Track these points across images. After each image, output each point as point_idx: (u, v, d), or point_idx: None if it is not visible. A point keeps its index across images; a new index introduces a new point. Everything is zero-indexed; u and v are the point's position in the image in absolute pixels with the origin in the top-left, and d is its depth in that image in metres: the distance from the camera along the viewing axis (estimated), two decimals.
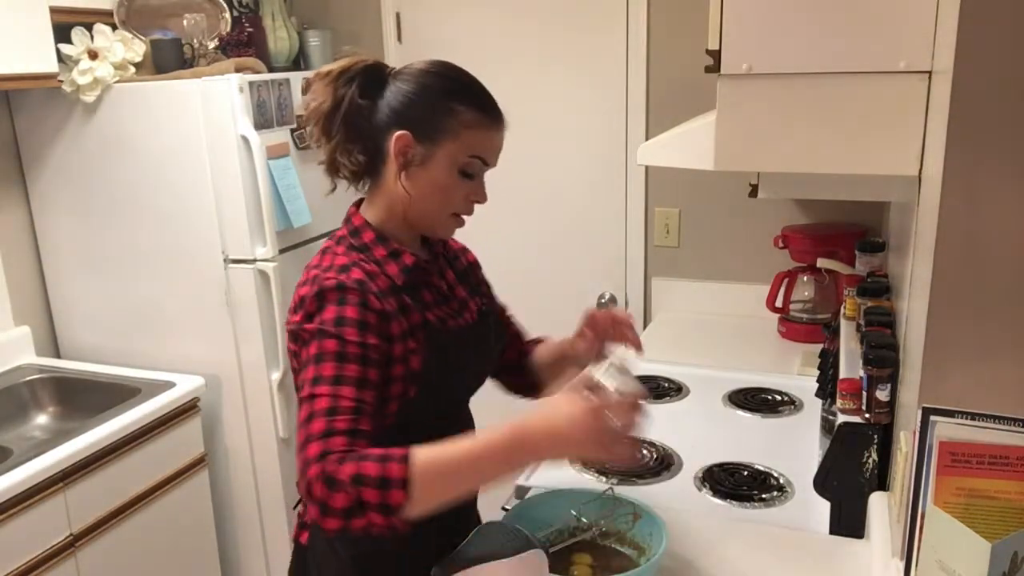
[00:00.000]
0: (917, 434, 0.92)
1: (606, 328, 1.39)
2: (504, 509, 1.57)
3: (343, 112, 1.20)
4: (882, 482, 1.36)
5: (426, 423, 1.19)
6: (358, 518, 1.01)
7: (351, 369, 1.09)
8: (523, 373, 1.48)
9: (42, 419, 2.32)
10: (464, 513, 1.45)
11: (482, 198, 1.25)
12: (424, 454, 1.03)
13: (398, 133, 1.18)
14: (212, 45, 2.45)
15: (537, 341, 1.53)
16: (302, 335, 1.13)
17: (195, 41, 2.43)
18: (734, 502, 1.57)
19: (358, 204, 1.29)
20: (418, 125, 1.18)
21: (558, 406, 1.07)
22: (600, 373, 1.11)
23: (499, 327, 1.41)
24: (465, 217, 1.27)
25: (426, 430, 1.14)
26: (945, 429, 0.90)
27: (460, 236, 1.35)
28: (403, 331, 1.17)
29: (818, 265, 2.27)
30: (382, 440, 1.10)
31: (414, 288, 1.24)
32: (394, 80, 1.22)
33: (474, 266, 1.45)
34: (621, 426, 1.05)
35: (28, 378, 2.35)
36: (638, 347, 1.39)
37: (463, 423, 1.39)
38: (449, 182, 1.20)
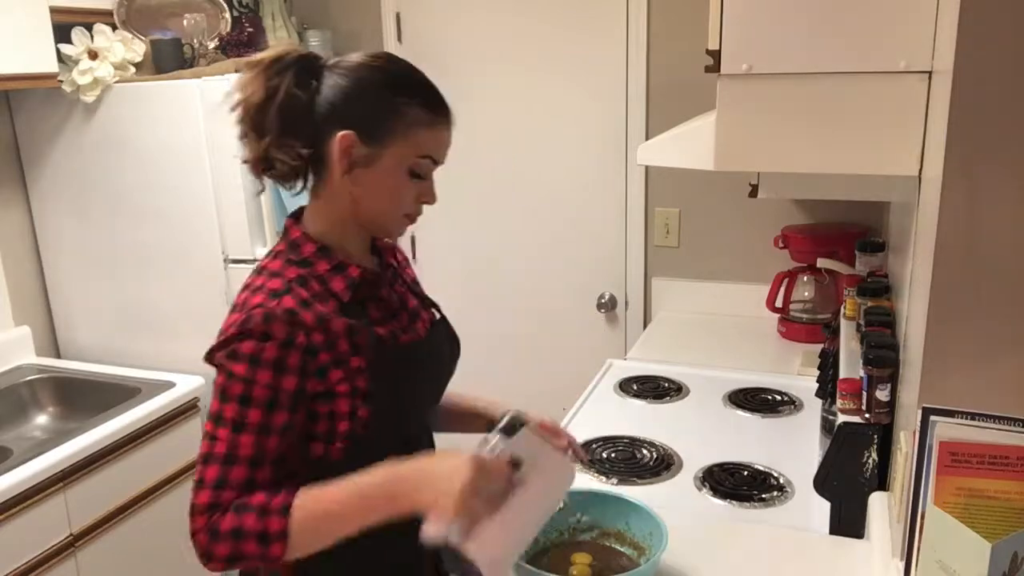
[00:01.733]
0: (917, 434, 0.92)
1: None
2: None
3: (278, 103, 1.10)
4: (882, 482, 1.36)
5: (386, 443, 1.14)
6: (240, 563, 1.03)
7: (254, 415, 1.04)
8: None
9: (42, 419, 2.32)
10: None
11: (431, 199, 1.18)
12: (304, 502, 1.02)
13: (342, 133, 1.09)
14: (212, 45, 2.45)
15: None
16: (214, 360, 1.08)
17: (195, 41, 2.43)
18: (734, 502, 1.57)
19: (295, 216, 1.20)
20: (362, 124, 1.10)
21: (443, 455, 1.05)
22: (496, 431, 1.11)
23: (453, 336, 1.33)
24: (415, 219, 1.20)
25: (388, 451, 1.10)
26: (945, 429, 0.90)
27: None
28: (341, 354, 1.10)
29: (818, 265, 2.27)
30: (340, 461, 1.10)
31: (361, 304, 1.17)
32: (331, 73, 1.12)
33: (407, 264, 1.37)
34: (492, 487, 1.02)
35: (28, 378, 2.35)
36: (581, 459, 1.33)
37: (428, 444, 1.31)
38: (399, 184, 1.13)
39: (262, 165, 1.14)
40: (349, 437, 1.12)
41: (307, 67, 1.12)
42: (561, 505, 1.23)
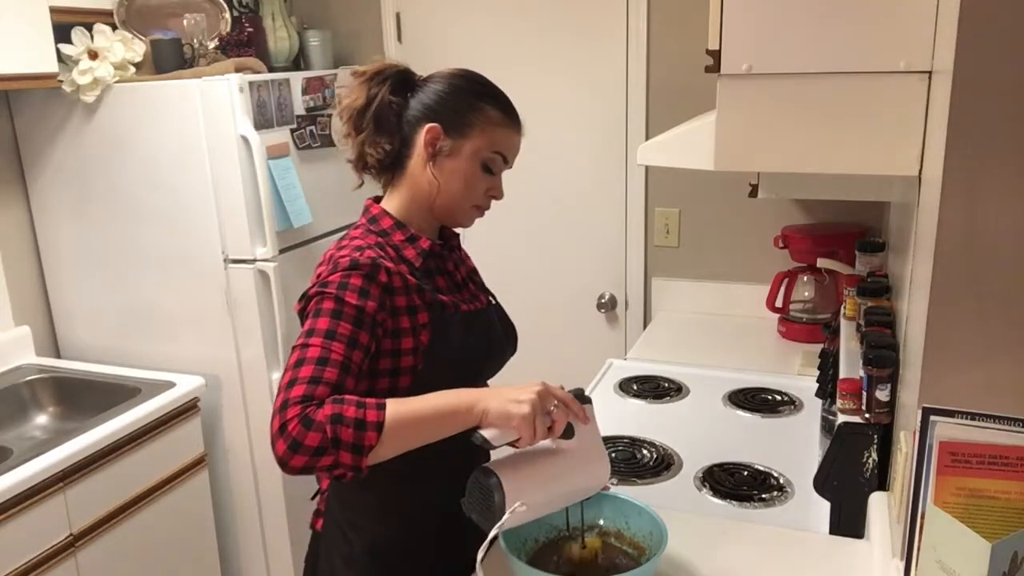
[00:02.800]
0: (917, 434, 0.92)
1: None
2: None
3: (374, 108, 1.29)
4: (882, 482, 1.36)
5: None
6: (327, 456, 1.07)
7: (344, 328, 1.16)
8: None
9: (42, 419, 2.32)
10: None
11: (499, 194, 1.35)
12: (395, 404, 1.12)
13: (429, 125, 1.27)
14: (212, 45, 2.45)
15: None
16: (309, 296, 1.21)
17: (195, 41, 2.43)
18: (734, 502, 1.57)
19: (375, 199, 1.37)
20: (448, 119, 1.28)
21: (513, 388, 1.15)
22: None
23: (509, 322, 1.45)
24: (485, 211, 1.36)
25: None
26: (945, 429, 0.91)
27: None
28: (414, 305, 1.25)
29: (818, 265, 2.27)
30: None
31: (428, 273, 1.31)
32: (425, 83, 1.32)
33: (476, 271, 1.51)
34: (554, 416, 1.14)
35: (28, 378, 2.35)
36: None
37: None
38: (473, 174, 1.30)
39: (360, 162, 1.33)
40: (407, 391, 1.22)
41: (403, 80, 1.32)
42: (586, 497, 1.26)
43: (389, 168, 1.33)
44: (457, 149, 1.28)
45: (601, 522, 1.32)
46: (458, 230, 1.43)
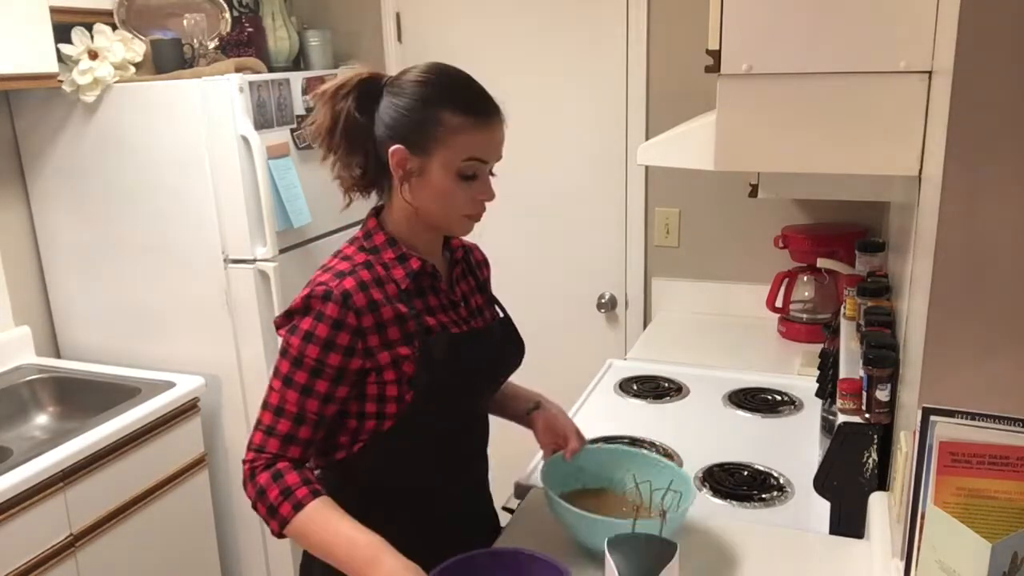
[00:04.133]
0: (917, 434, 0.92)
1: (560, 437, 1.45)
2: (506, 509, 1.57)
3: (341, 127, 1.23)
4: (882, 482, 1.36)
5: (432, 430, 1.27)
6: (256, 510, 1.20)
7: (301, 376, 1.20)
8: None
9: (42, 419, 2.32)
10: (478, 512, 1.46)
11: (488, 195, 1.26)
12: (314, 513, 1.16)
13: (392, 148, 1.21)
14: (212, 45, 2.45)
15: None
16: (280, 329, 1.24)
17: (195, 41, 2.43)
18: (734, 502, 1.57)
19: (378, 209, 1.32)
20: (410, 138, 1.20)
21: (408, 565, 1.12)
22: None
23: (514, 335, 1.42)
24: (478, 217, 1.28)
25: (436, 437, 1.27)
26: (945, 429, 0.90)
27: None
28: (391, 340, 1.22)
29: (818, 265, 2.27)
30: (389, 442, 1.24)
31: (420, 292, 1.27)
32: (388, 92, 1.23)
33: (484, 264, 1.48)
34: None
35: (28, 378, 2.35)
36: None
37: (478, 430, 1.41)
38: (449, 188, 1.21)
39: (341, 182, 1.29)
40: (396, 417, 1.24)
41: (367, 91, 1.24)
42: None
43: (372, 185, 1.29)
44: (426, 167, 1.21)
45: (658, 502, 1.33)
46: (482, 243, 1.43)
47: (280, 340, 1.24)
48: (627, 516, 1.23)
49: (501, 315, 1.42)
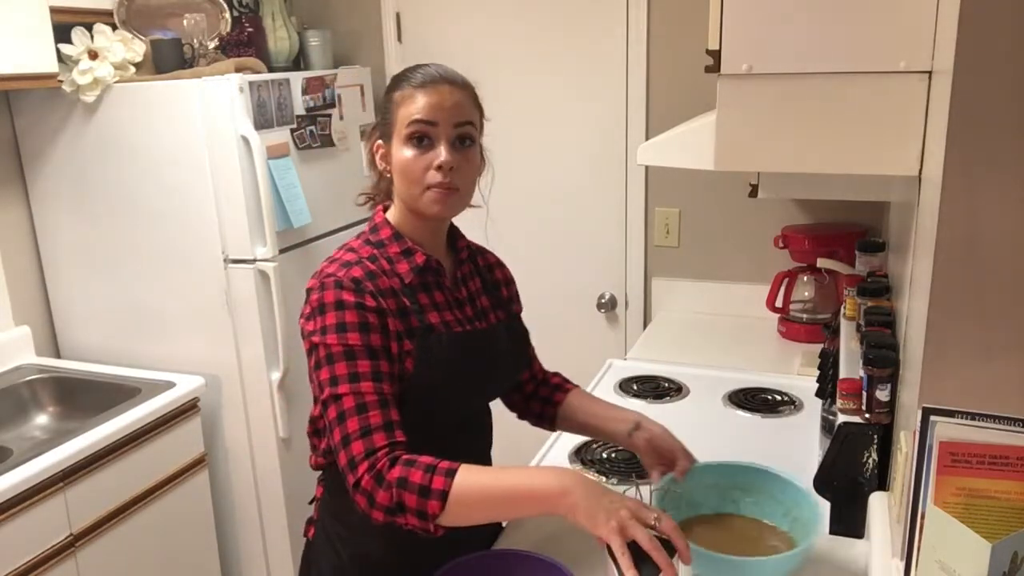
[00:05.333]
0: (917, 434, 0.92)
1: (666, 457, 1.40)
2: None
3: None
4: (882, 482, 1.36)
5: (433, 429, 1.24)
6: (399, 516, 1.10)
7: (363, 365, 1.16)
8: (535, 400, 1.51)
9: (42, 419, 2.32)
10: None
11: (444, 161, 1.22)
12: (469, 474, 1.09)
13: (374, 144, 1.32)
14: (212, 45, 2.45)
15: (561, 380, 1.54)
16: (309, 339, 1.20)
17: (195, 41, 2.43)
18: None
19: (385, 206, 1.36)
20: (380, 131, 1.30)
21: (606, 488, 1.09)
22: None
23: (521, 343, 1.42)
24: (443, 188, 1.24)
25: (436, 436, 1.22)
26: (945, 429, 0.90)
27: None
28: (398, 332, 1.22)
29: (818, 265, 2.27)
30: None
31: (425, 287, 1.28)
32: None
33: (505, 283, 1.46)
34: (640, 535, 1.04)
35: (28, 378, 2.35)
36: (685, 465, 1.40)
37: (479, 432, 1.40)
38: (404, 160, 1.24)
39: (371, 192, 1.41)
40: (400, 412, 1.20)
41: None
42: None
43: (387, 192, 1.36)
44: (391, 150, 1.27)
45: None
46: (482, 243, 1.43)
47: (310, 349, 1.20)
48: (757, 542, 1.23)
49: (506, 318, 1.40)
